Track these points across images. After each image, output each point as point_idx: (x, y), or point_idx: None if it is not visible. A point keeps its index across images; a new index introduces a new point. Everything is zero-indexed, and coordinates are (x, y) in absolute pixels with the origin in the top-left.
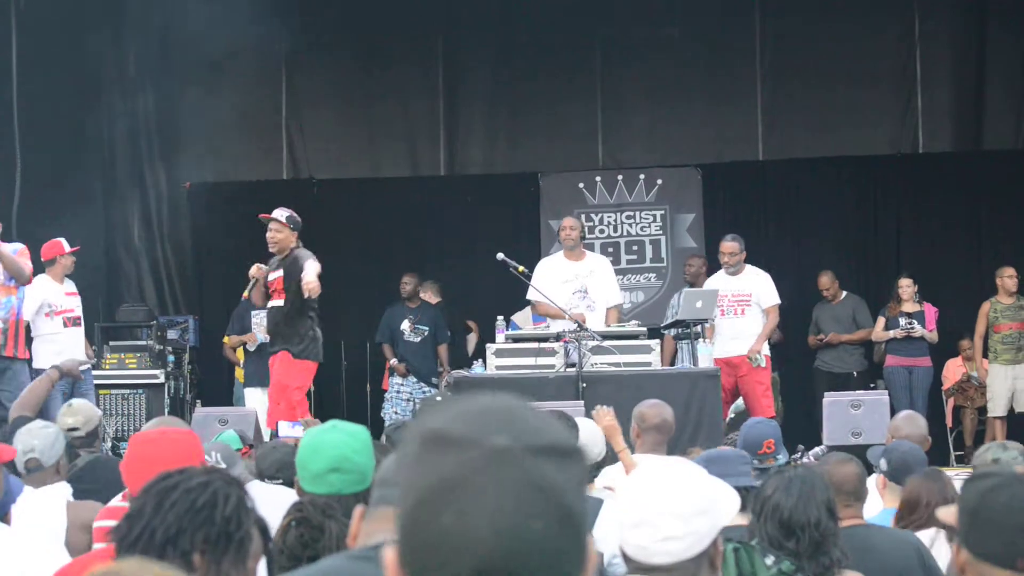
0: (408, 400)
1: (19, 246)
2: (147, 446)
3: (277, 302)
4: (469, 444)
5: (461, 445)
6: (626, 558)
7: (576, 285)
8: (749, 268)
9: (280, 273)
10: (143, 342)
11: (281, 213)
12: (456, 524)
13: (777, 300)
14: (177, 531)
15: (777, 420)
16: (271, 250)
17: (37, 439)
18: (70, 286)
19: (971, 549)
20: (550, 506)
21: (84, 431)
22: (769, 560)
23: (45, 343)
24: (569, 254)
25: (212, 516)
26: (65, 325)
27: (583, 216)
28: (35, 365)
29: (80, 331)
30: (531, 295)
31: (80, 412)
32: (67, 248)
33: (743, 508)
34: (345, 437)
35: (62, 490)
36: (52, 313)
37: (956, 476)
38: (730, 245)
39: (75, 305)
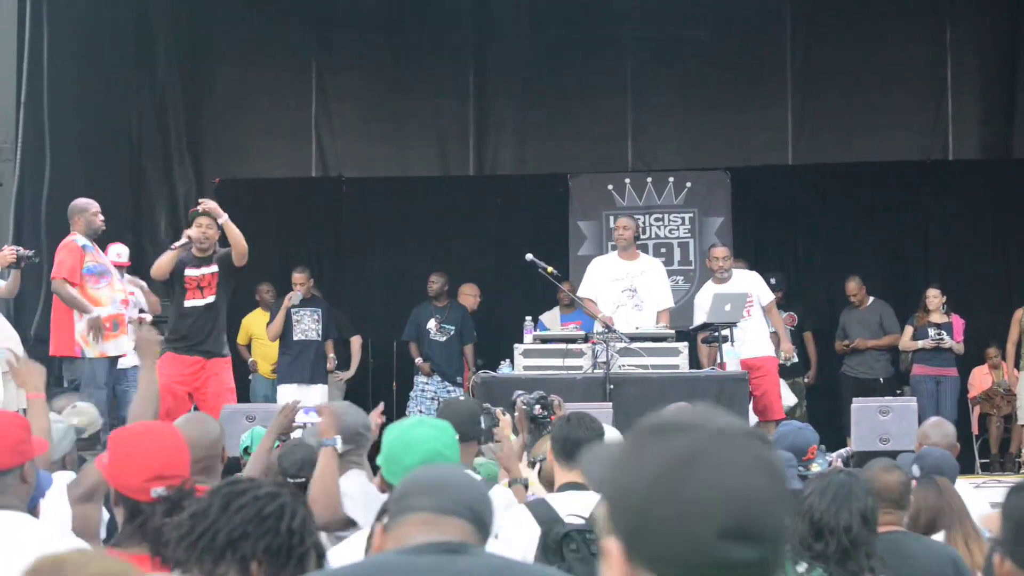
0: (433, 399)
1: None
2: (129, 443)
3: (207, 299)
4: (694, 427)
5: (686, 429)
6: None
7: (626, 284)
8: (736, 271)
9: (215, 269)
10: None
11: (202, 205)
12: (699, 491)
13: (772, 295)
14: (240, 535)
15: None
16: (201, 246)
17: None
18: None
19: (1015, 559)
20: (770, 471)
21: (88, 432)
22: (801, 568)
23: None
24: (623, 253)
25: (277, 527)
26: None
27: (611, 218)
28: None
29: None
30: (580, 291)
31: (85, 413)
32: (110, 255)
33: None
34: (436, 432)
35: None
36: None
37: (983, 484)
38: (722, 249)
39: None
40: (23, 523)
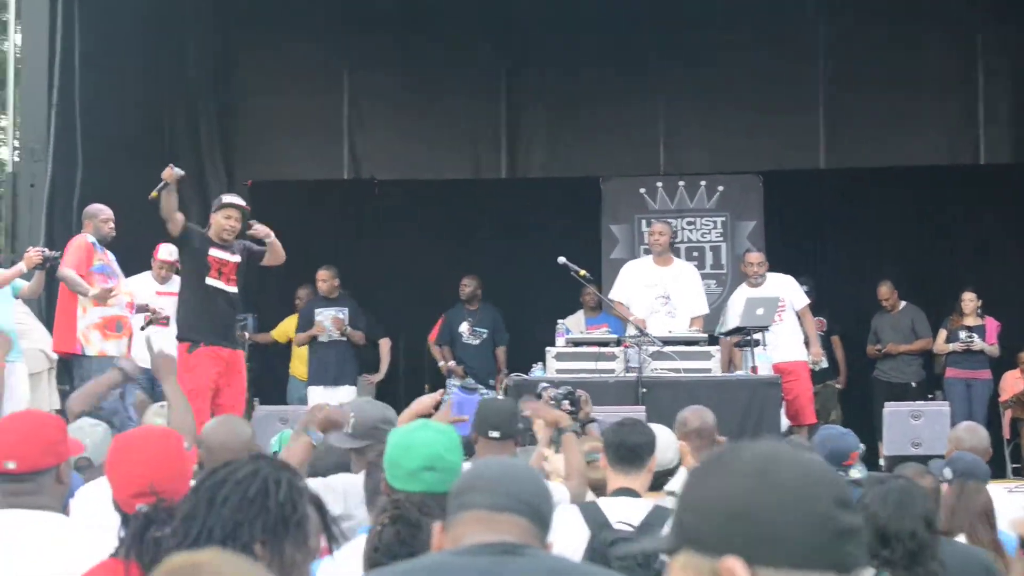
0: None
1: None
2: (123, 453)
3: (229, 288)
4: (752, 443)
5: (747, 446)
6: None
7: (659, 290)
8: (771, 275)
9: (238, 259)
10: None
11: (240, 200)
12: (798, 475)
13: (807, 300)
14: (234, 525)
15: None
16: (227, 238)
17: (88, 437)
18: (171, 287)
19: None
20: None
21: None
22: (868, 574)
23: (137, 341)
24: (657, 259)
25: (266, 504)
26: (146, 322)
27: (643, 221)
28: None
29: (165, 332)
30: (612, 294)
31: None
32: (159, 255)
33: None
34: (437, 435)
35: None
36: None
37: (1015, 488)
38: (758, 255)
39: (166, 304)
40: (59, 524)
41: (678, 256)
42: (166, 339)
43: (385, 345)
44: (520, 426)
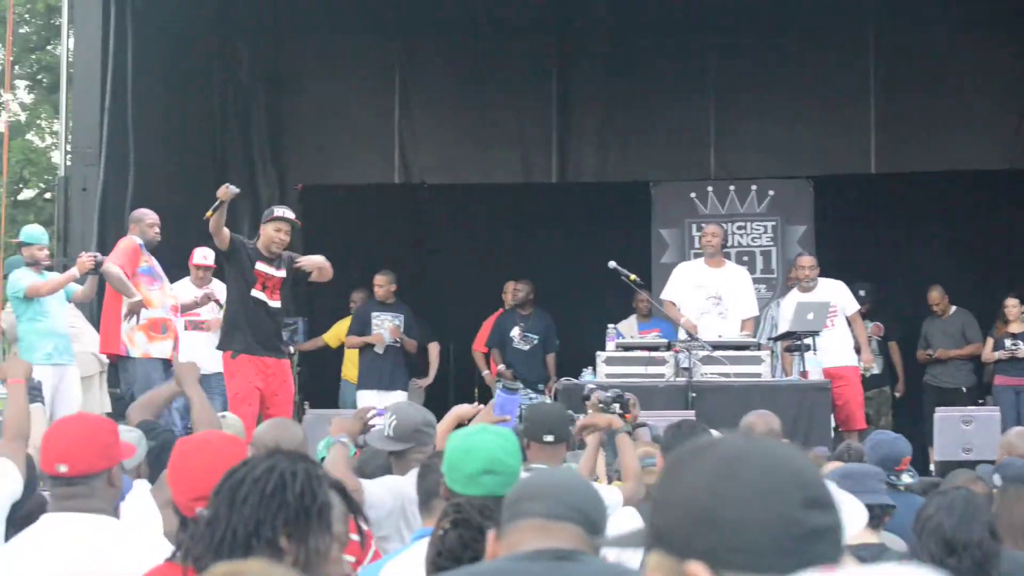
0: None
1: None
2: (188, 456)
3: (272, 302)
4: (724, 440)
5: (718, 442)
6: None
7: (711, 291)
8: (822, 280)
9: (283, 275)
10: None
11: (290, 213)
12: (765, 475)
13: (858, 306)
14: (256, 523)
15: None
16: (276, 251)
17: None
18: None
19: None
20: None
21: None
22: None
23: (182, 346)
24: (709, 260)
25: (284, 498)
26: (187, 328)
27: (693, 226)
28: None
29: (207, 336)
30: (663, 295)
31: (232, 426)
32: (195, 259)
33: (876, 525)
34: (496, 439)
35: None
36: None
37: None
38: (809, 259)
39: (204, 310)
40: (111, 526)
41: (729, 260)
42: (206, 344)
43: (434, 349)
44: (571, 430)
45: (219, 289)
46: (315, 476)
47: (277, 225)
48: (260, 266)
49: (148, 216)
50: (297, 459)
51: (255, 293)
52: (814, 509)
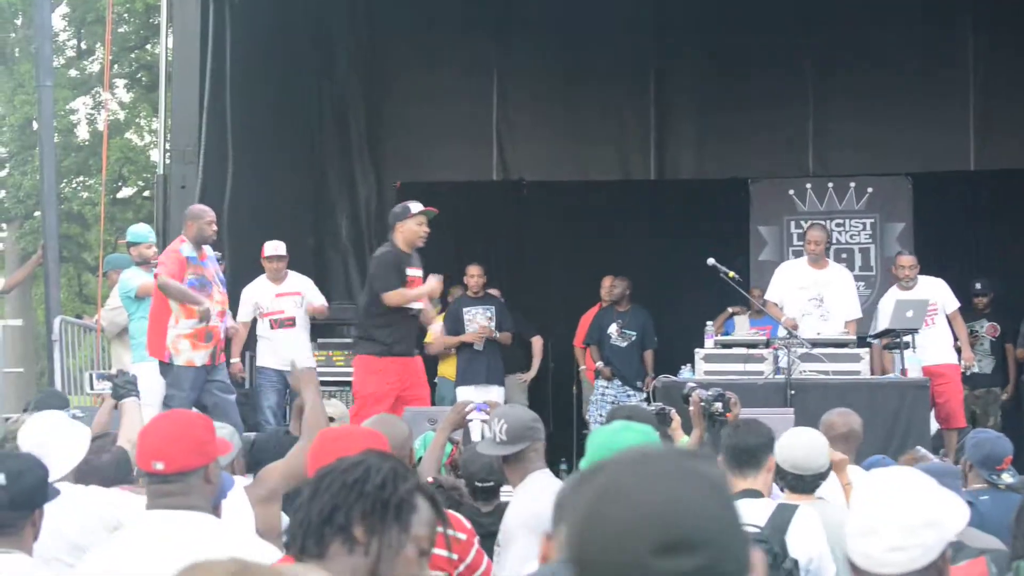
0: (612, 403)
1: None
2: (334, 443)
3: (419, 304)
4: (612, 462)
5: (605, 466)
6: (853, 566)
7: (812, 292)
8: (922, 278)
9: (421, 272)
10: (350, 340)
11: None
12: (624, 516)
13: (958, 303)
14: (332, 509)
15: None
16: (421, 245)
17: None
18: (288, 286)
19: None
20: (701, 480)
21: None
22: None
23: (262, 343)
24: (812, 262)
25: (363, 488)
26: (272, 327)
27: (792, 223)
28: (257, 363)
29: (292, 332)
30: (766, 295)
31: (336, 408)
32: (266, 252)
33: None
34: (642, 437)
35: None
36: (261, 315)
37: None
38: (910, 258)
39: (286, 306)
40: (208, 524)
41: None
42: (293, 341)
43: (538, 343)
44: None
45: (299, 284)
46: (400, 473)
47: (419, 220)
48: (410, 271)
49: (206, 214)
50: (389, 459)
51: None
52: (665, 555)
